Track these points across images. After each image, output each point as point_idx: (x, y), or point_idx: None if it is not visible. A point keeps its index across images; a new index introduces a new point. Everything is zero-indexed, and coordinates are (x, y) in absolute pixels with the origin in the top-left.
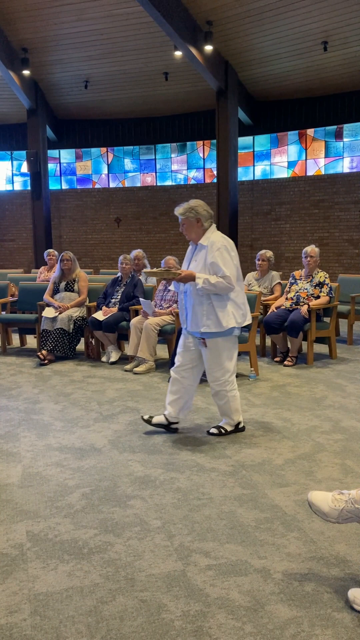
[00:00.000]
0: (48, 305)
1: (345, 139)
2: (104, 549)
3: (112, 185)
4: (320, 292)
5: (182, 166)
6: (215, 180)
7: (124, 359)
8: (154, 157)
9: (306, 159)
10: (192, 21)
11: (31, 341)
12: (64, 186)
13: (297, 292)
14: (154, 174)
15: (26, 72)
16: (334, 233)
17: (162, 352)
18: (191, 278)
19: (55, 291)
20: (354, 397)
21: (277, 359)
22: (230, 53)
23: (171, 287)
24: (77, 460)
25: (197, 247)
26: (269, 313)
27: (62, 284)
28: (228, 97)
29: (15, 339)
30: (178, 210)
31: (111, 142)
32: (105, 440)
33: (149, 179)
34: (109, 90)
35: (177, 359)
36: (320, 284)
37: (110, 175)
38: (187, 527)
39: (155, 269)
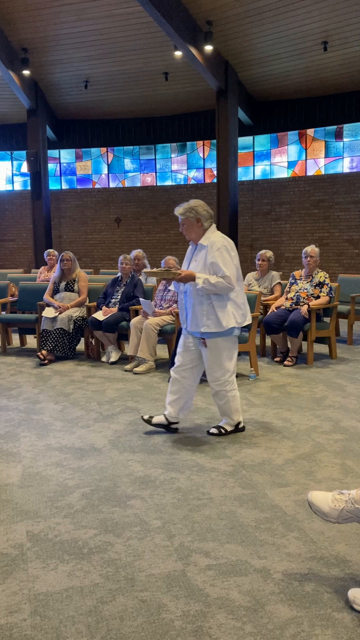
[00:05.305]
0: (48, 305)
1: (345, 139)
2: (104, 549)
3: (112, 185)
4: (320, 292)
5: (182, 166)
6: (215, 180)
7: (124, 359)
8: (154, 157)
9: (306, 159)
10: (192, 21)
11: (31, 341)
12: (64, 186)
13: (297, 292)
14: (154, 174)
15: (26, 72)
16: (334, 233)
17: (162, 352)
18: (191, 278)
19: (55, 291)
20: (354, 397)
21: (277, 359)
22: (230, 53)
23: (171, 287)
24: (77, 460)
25: (197, 247)
26: (269, 313)
27: (62, 284)
28: (228, 97)
29: (15, 339)
30: (178, 210)
31: (111, 142)
32: (105, 440)
33: (149, 179)
34: (109, 90)
35: (177, 359)
36: (320, 284)
37: (110, 175)
38: (187, 527)
39: (155, 269)
